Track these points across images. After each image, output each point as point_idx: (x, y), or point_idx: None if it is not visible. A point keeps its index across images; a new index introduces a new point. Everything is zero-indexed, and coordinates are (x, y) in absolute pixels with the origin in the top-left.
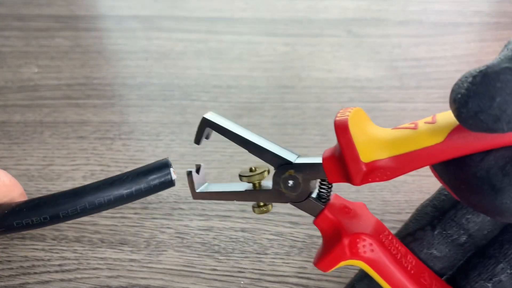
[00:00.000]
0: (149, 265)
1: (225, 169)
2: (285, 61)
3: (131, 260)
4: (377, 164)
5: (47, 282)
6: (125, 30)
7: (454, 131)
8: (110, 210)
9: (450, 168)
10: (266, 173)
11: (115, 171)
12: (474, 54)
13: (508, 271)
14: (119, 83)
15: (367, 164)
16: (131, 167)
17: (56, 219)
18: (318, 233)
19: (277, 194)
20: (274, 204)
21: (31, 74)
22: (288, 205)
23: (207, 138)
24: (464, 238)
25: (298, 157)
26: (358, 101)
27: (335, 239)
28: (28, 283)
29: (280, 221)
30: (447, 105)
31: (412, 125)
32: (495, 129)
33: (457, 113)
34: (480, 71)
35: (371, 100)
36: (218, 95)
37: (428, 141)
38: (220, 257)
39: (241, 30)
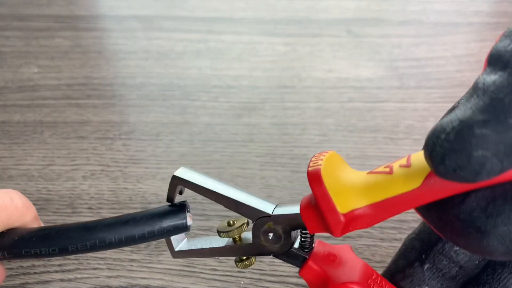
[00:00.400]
0: (149, 265)
1: (225, 169)
2: (285, 61)
3: (131, 260)
4: (355, 213)
5: (47, 282)
6: (125, 30)
7: (430, 175)
8: (110, 210)
9: (432, 211)
10: (245, 226)
11: (115, 171)
12: (474, 54)
13: None
14: (119, 83)
15: (345, 215)
16: (131, 167)
17: (64, 252)
18: (320, 233)
19: (259, 247)
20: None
21: (31, 74)
22: None
23: (180, 193)
24: (455, 271)
25: (276, 206)
26: (358, 101)
27: None
28: (28, 283)
29: None
30: (447, 105)
31: (387, 169)
32: (476, 181)
33: (435, 170)
34: (453, 128)
35: (371, 100)
36: (218, 95)
37: (405, 187)
38: (220, 257)
39: (241, 30)
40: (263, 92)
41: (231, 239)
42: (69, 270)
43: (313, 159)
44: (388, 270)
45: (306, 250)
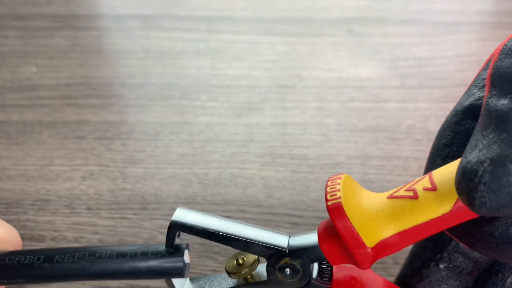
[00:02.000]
0: None
1: (225, 169)
2: (285, 61)
3: None
4: (383, 243)
5: None
6: (125, 30)
7: None
8: (109, 211)
9: (458, 229)
10: (256, 263)
11: (114, 171)
12: (476, 54)
13: None
14: (118, 82)
15: (373, 248)
16: (130, 167)
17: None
18: None
19: (275, 284)
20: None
21: (30, 74)
22: (288, 205)
23: (178, 236)
24: (471, 266)
25: (289, 237)
26: (358, 100)
27: None
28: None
29: (280, 222)
30: (448, 104)
31: (411, 193)
32: None
33: (476, 212)
34: (485, 169)
35: (372, 99)
36: (218, 95)
37: (434, 212)
38: (220, 258)
39: (241, 29)
40: (263, 92)
41: (242, 279)
42: None
43: (328, 189)
44: (403, 274)
45: (325, 279)
